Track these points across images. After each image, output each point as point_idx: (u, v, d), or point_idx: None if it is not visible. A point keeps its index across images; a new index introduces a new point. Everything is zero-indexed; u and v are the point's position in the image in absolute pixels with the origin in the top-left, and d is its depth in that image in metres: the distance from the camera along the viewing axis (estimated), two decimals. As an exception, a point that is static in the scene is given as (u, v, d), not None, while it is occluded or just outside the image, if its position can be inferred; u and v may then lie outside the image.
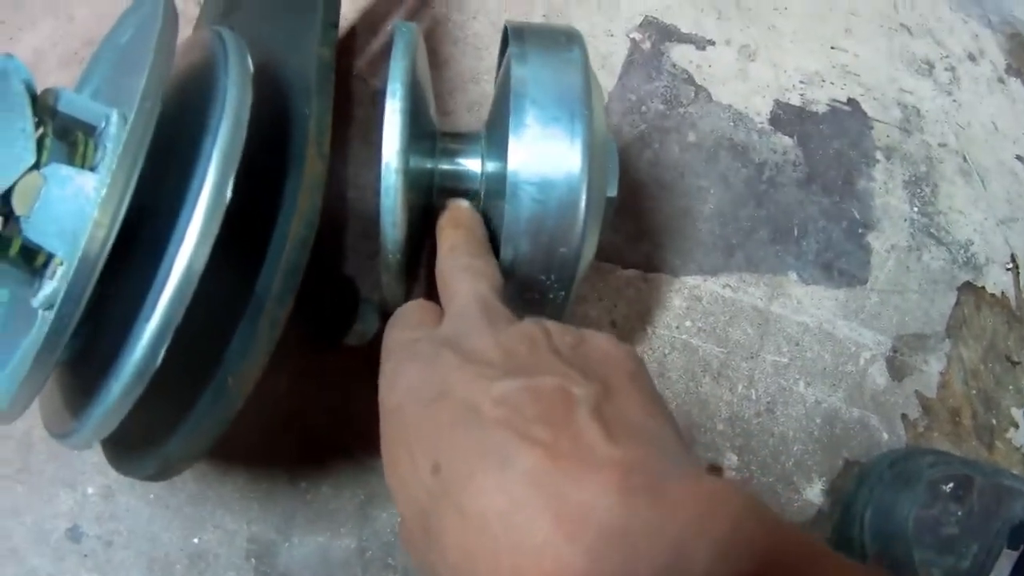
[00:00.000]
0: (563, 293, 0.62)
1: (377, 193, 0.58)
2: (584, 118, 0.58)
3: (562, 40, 0.63)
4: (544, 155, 0.57)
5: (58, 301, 0.46)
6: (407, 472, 0.44)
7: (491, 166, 0.64)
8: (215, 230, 0.50)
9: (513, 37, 0.63)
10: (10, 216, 0.50)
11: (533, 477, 0.38)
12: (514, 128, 0.58)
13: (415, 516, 0.43)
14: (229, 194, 0.50)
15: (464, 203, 0.65)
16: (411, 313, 0.55)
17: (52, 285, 0.51)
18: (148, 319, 0.49)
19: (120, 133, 0.52)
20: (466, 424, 0.42)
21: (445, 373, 0.46)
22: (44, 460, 0.73)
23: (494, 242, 0.62)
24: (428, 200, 0.64)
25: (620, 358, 0.48)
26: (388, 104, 0.58)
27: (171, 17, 0.54)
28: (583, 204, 0.58)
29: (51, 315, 0.46)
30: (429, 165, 0.64)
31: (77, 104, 0.53)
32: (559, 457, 0.39)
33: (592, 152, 0.58)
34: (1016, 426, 0.88)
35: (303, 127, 0.56)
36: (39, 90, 0.52)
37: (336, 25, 0.62)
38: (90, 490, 0.72)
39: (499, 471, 0.39)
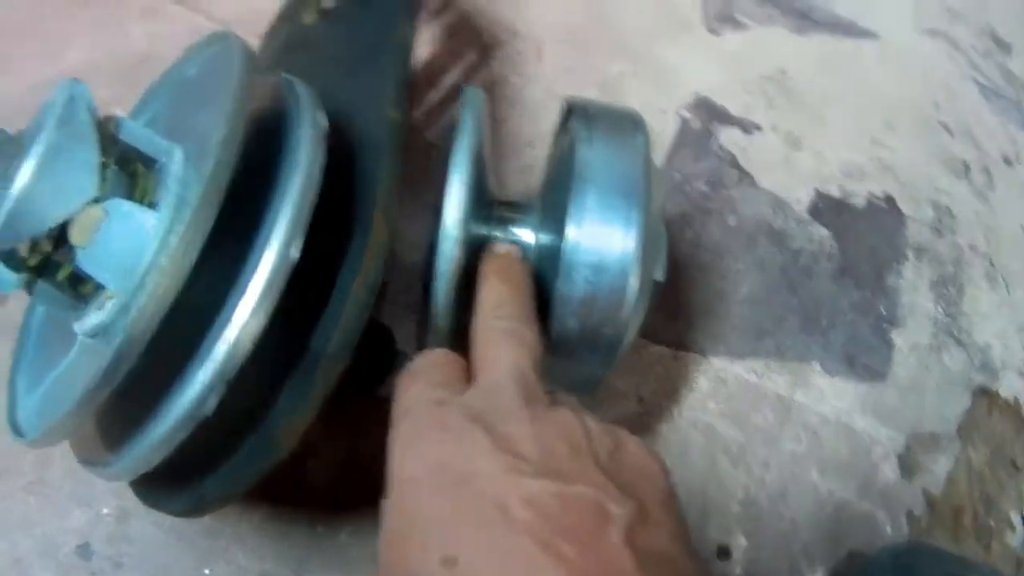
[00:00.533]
0: (601, 372, 0.63)
1: (423, 248, 0.59)
2: (642, 206, 0.58)
3: (627, 125, 0.64)
4: (601, 239, 0.58)
5: (116, 343, 0.46)
6: (415, 556, 0.40)
7: (544, 239, 0.64)
8: (279, 287, 0.50)
9: (579, 117, 0.64)
10: (63, 241, 0.51)
11: None
12: (575, 209, 0.58)
13: None
14: (296, 253, 0.50)
15: (516, 252, 0.63)
16: (435, 367, 0.52)
17: (100, 316, 0.50)
18: (202, 365, 0.49)
19: (184, 172, 0.52)
20: (490, 522, 0.39)
21: (473, 456, 0.43)
22: (61, 476, 0.73)
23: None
24: (476, 267, 0.64)
25: (655, 474, 0.45)
26: (452, 172, 0.59)
27: (250, 65, 0.54)
28: (634, 288, 0.58)
29: (107, 353, 0.46)
30: (483, 232, 0.64)
31: (139, 135, 0.53)
32: None
33: (646, 239, 0.58)
34: (1013, 529, 0.88)
35: (370, 188, 0.56)
36: (99, 114, 0.52)
37: (407, 87, 0.63)
38: (105, 510, 0.72)
39: None
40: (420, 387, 0.50)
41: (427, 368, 0.52)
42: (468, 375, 0.52)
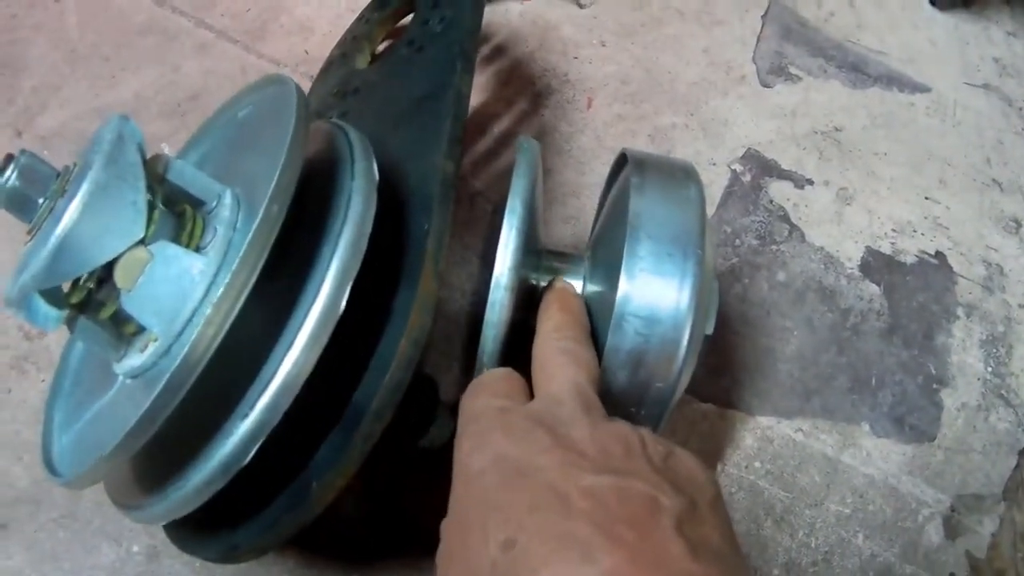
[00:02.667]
0: (650, 427, 0.61)
1: (467, 295, 0.58)
2: (697, 258, 0.58)
3: (680, 176, 0.63)
4: (654, 291, 0.57)
5: (157, 390, 0.45)
6: (475, 540, 0.43)
7: (592, 289, 0.64)
8: (325, 340, 0.49)
9: (634, 168, 0.63)
10: (107, 279, 0.50)
11: None
12: (627, 260, 0.58)
13: None
14: (343, 307, 0.50)
15: (572, 286, 0.65)
16: (499, 382, 0.55)
17: (141, 359, 0.50)
18: (244, 417, 0.49)
19: (233, 216, 0.52)
20: (550, 508, 0.42)
21: (536, 452, 0.46)
22: (91, 510, 0.73)
23: None
24: (521, 316, 0.64)
25: (705, 481, 0.47)
26: (506, 221, 0.58)
27: (306, 112, 0.54)
28: (685, 342, 0.58)
29: (146, 398, 0.45)
30: (532, 281, 0.64)
31: (188, 176, 0.53)
32: (641, 562, 0.39)
33: (700, 292, 0.58)
34: (1055, 592, 0.87)
35: (419, 241, 0.55)
36: (148, 151, 0.52)
37: (461, 140, 0.62)
38: (135, 548, 0.72)
39: (579, 563, 0.39)
40: (486, 397, 0.53)
41: (491, 382, 0.55)
42: (529, 392, 0.55)
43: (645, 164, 0.64)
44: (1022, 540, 0.88)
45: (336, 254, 0.50)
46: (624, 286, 0.57)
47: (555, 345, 0.57)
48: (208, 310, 0.46)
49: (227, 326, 0.46)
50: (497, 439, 0.48)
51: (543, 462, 0.45)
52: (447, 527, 0.48)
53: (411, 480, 0.76)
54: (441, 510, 0.49)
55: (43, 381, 0.79)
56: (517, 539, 0.41)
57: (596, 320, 0.62)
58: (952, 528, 0.86)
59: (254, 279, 0.47)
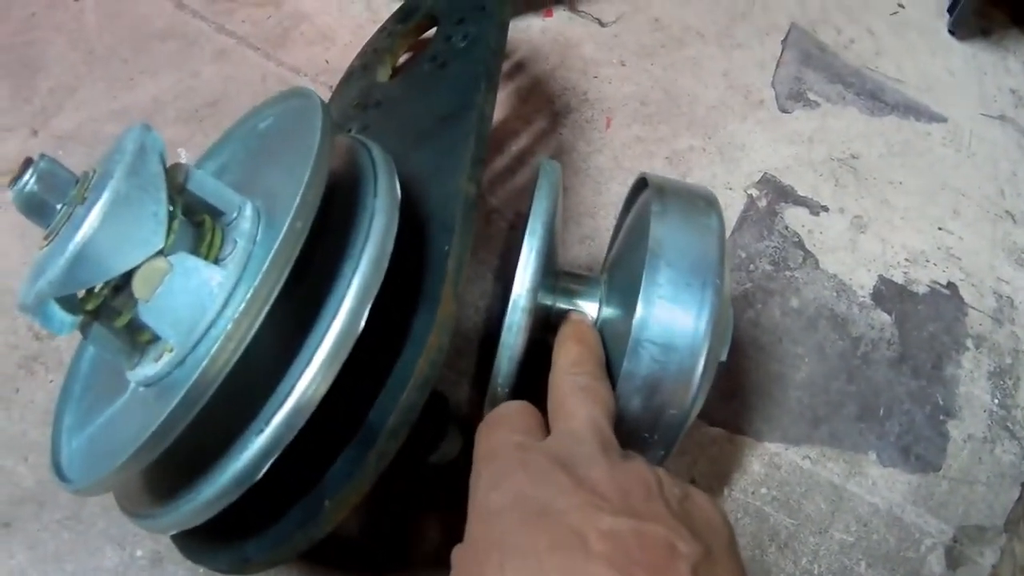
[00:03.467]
0: (662, 452, 0.62)
1: (481, 312, 0.58)
2: (715, 287, 0.58)
3: (701, 205, 0.63)
4: (672, 318, 0.57)
5: (175, 402, 0.45)
6: None
7: (608, 313, 0.65)
8: (343, 359, 0.49)
9: (655, 195, 0.63)
10: (123, 288, 0.50)
11: None
12: (646, 287, 0.58)
13: None
14: (362, 326, 0.50)
15: (588, 318, 0.65)
16: (517, 417, 0.55)
17: (155, 368, 0.50)
18: (260, 432, 0.48)
19: (253, 229, 0.52)
20: (569, 550, 0.42)
21: (555, 492, 0.46)
22: (97, 513, 0.73)
23: None
24: (538, 335, 0.64)
25: (720, 524, 0.48)
26: (526, 243, 0.58)
27: (330, 128, 0.54)
28: (700, 369, 0.58)
29: (161, 411, 0.45)
30: (548, 302, 0.64)
31: (208, 187, 0.53)
32: None
33: (717, 320, 0.58)
34: (1055, 625, 0.87)
35: (440, 262, 0.55)
36: (168, 160, 0.51)
37: (483, 161, 0.62)
38: (139, 552, 0.72)
39: None
40: (503, 432, 0.53)
41: (508, 417, 0.55)
42: (545, 426, 0.54)
43: (666, 191, 0.64)
44: (1022, 572, 0.88)
45: (357, 272, 0.50)
46: (642, 312, 0.57)
47: (572, 381, 0.57)
48: (228, 325, 0.45)
49: (247, 340, 0.46)
50: (517, 478, 0.48)
51: (562, 503, 0.45)
52: (462, 557, 0.47)
53: (419, 494, 0.76)
54: (448, 524, 0.49)
55: (51, 382, 0.79)
56: None
57: (611, 343, 0.62)
58: (954, 559, 0.86)
59: (275, 294, 0.47)
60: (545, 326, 0.63)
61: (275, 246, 0.46)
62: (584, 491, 0.45)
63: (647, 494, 0.46)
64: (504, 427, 0.54)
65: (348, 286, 0.50)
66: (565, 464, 0.48)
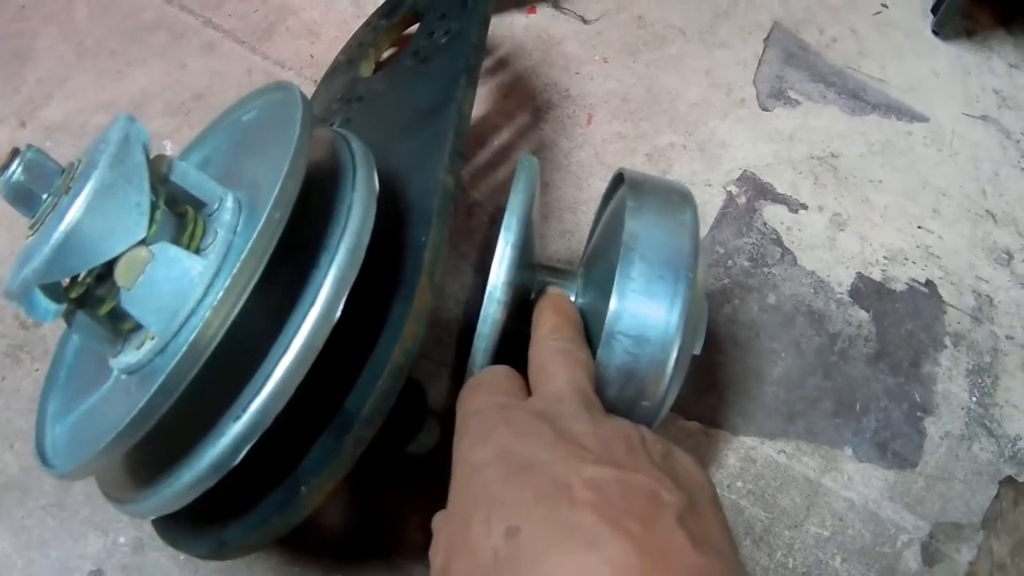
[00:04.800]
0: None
1: (460, 304, 0.59)
2: (688, 281, 0.59)
3: (676, 200, 0.64)
4: (644, 311, 0.58)
5: (152, 388, 0.46)
6: (478, 531, 0.43)
7: (584, 305, 0.65)
8: (320, 346, 0.50)
9: (631, 189, 0.64)
10: (106, 276, 0.51)
11: (620, 565, 0.39)
12: (619, 279, 0.58)
13: (472, 575, 0.43)
14: (338, 314, 0.50)
15: (564, 292, 0.66)
16: (499, 379, 0.56)
17: (138, 356, 0.51)
18: (237, 418, 0.49)
19: (234, 220, 0.53)
20: (554, 498, 0.42)
21: (539, 446, 0.46)
22: (80, 501, 0.74)
23: None
24: (514, 326, 0.64)
25: (703, 481, 0.49)
26: (502, 236, 0.59)
27: (310, 121, 0.54)
28: (672, 362, 0.58)
29: (142, 396, 0.46)
30: (525, 295, 0.65)
31: (191, 178, 0.54)
32: (647, 553, 0.39)
33: (689, 314, 0.58)
34: (1031, 622, 0.87)
35: (417, 253, 0.56)
36: (152, 151, 0.52)
37: (462, 155, 0.63)
38: (121, 539, 0.73)
39: (585, 551, 0.39)
40: (486, 394, 0.54)
41: (491, 379, 0.56)
42: (527, 391, 0.55)
43: (642, 186, 0.65)
44: (999, 570, 0.88)
45: (334, 262, 0.51)
46: (615, 305, 0.58)
47: (553, 346, 0.58)
48: (207, 312, 0.46)
49: (225, 328, 0.47)
50: (500, 434, 0.48)
51: (547, 456, 0.45)
52: (446, 520, 0.48)
53: (397, 483, 0.76)
54: (424, 513, 0.50)
55: (37, 370, 0.80)
56: (521, 528, 0.42)
57: (587, 336, 0.62)
58: (930, 555, 0.86)
59: (254, 283, 0.47)
60: (522, 318, 0.64)
61: (254, 235, 0.47)
62: (567, 443, 0.46)
63: (629, 447, 0.47)
64: (486, 389, 0.54)
65: (325, 275, 0.50)
66: (548, 419, 0.48)
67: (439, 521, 0.50)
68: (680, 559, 0.40)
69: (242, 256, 0.47)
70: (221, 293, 0.46)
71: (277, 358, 0.49)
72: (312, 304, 0.50)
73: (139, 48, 1.04)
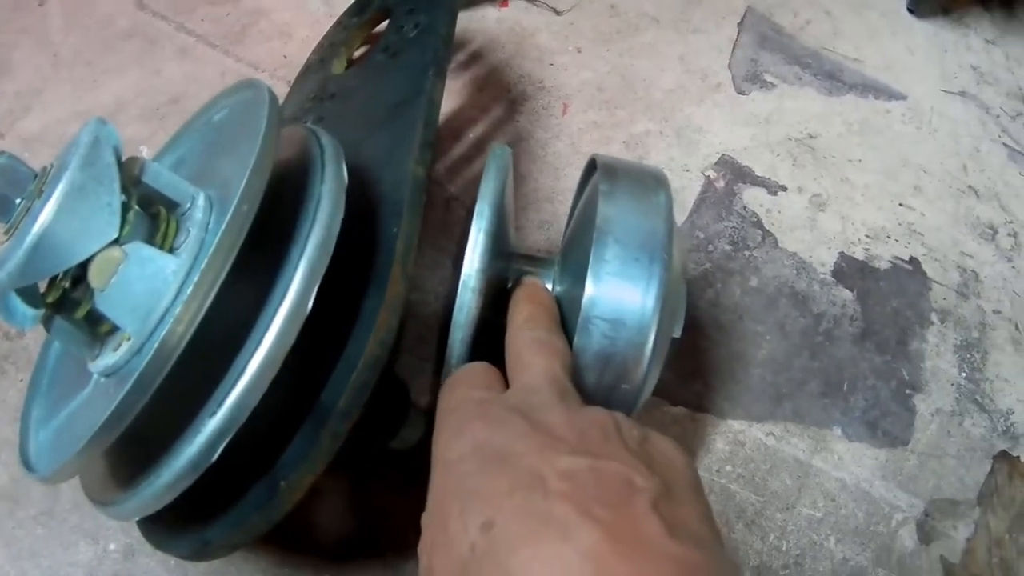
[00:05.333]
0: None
1: (440, 299, 0.59)
2: (663, 262, 0.59)
3: (650, 183, 0.64)
4: (620, 294, 0.58)
5: (127, 387, 0.46)
6: (455, 525, 0.44)
7: (561, 292, 0.65)
8: (292, 338, 0.50)
9: (603, 174, 0.64)
10: (82, 279, 0.51)
11: (592, 554, 0.39)
12: (594, 264, 0.58)
13: (451, 570, 0.43)
14: (310, 307, 0.50)
15: (540, 282, 0.66)
16: (477, 375, 0.56)
17: (115, 357, 0.51)
18: (212, 415, 0.49)
19: (206, 218, 0.53)
20: (528, 490, 0.42)
21: (513, 438, 0.46)
22: (69, 509, 0.74)
23: None
24: (492, 317, 0.64)
25: (682, 464, 0.48)
26: (474, 224, 0.58)
27: (276, 115, 0.55)
28: (650, 345, 0.58)
29: (117, 395, 0.46)
30: (501, 284, 0.65)
31: (163, 179, 0.54)
32: (619, 540, 0.39)
33: (666, 296, 0.58)
34: (1032, 596, 0.87)
35: (389, 244, 0.56)
36: (124, 153, 0.52)
37: (432, 145, 0.63)
38: (112, 546, 0.73)
39: (557, 542, 0.39)
40: (464, 390, 0.54)
41: (468, 376, 0.56)
42: (505, 384, 0.55)
43: (615, 170, 0.65)
44: (997, 546, 0.88)
45: (304, 255, 0.51)
46: (590, 289, 0.58)
47: (528, 336, 0.58)
48: (179, 308, 0.46)
49: (196, 324, 0.47)
50: (475, 427, 0.48)
51: (521, 447, 0.45)
52: (426, 518, 0.48)
53: (383, 480, 0.76)
54: (413, 509, 0.50)
55: (22, 380, 0.79)
56: (495, 521, 0.42)
57: (565, 322, 0.62)
58: (926, 533, 0.86)
59: (223, 277, 0.47)
60: (499, 308, 0.64)
61: (221, 230, 0.47)
62: (541, 434, 0.46)
63: (604, 435, 0.47)
64: (464, 385, 0.54)
65: (296, 269, 0.50)
66: (523, 412, 0.48)
67: (423, 520, 0.49)
68: (653, 544, 0.40)
69: (211, 250, 0.47)
70: (191, 288, 0.46)
71: (250, 352, 0.49)
72: (283, 297, 0.50)
73: (114, 56, 1.04)
